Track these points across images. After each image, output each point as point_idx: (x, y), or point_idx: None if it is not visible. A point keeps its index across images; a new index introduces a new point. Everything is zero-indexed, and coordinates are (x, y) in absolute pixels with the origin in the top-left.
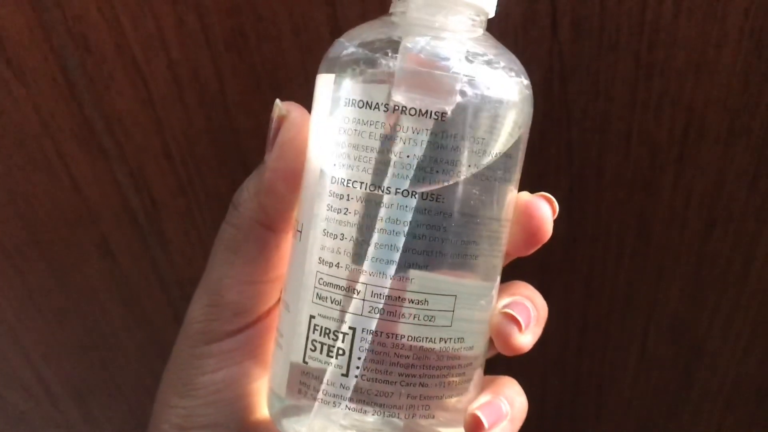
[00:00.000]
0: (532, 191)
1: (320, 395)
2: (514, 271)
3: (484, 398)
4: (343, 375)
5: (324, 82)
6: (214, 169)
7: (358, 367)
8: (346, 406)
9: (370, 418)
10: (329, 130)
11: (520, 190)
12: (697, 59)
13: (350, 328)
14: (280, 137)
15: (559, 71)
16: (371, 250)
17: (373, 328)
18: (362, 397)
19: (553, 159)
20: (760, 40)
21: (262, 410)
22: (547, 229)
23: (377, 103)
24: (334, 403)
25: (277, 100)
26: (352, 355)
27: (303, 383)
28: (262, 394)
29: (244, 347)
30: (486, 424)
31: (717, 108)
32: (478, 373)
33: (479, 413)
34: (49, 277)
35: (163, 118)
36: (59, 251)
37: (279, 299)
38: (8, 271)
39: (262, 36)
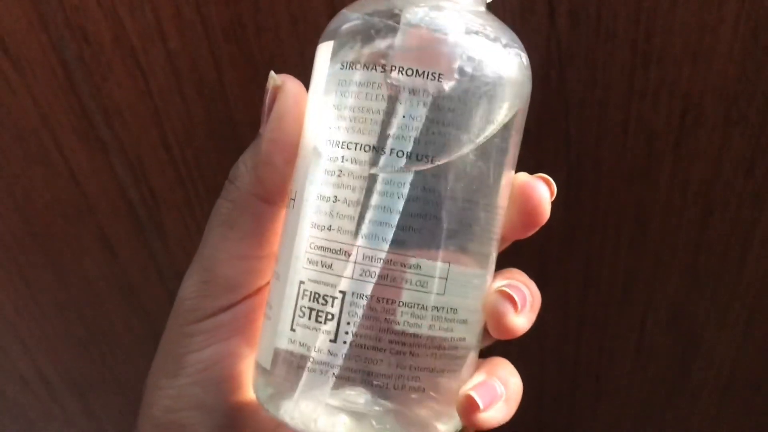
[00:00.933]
0: None
1: (308, 364)
2: (511, 261)
3: (478, 378)
4: (331, 341)
5: (323, 51)
6: (213, 161)
7: (347, 333)
8: (334, 374)
9: (360, 399)
10: (327, 96)
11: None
12: (694, 47)
13: (340, 291)
14: (276, 108)
15: (557, 60)
16: (366, 213)
17: (364, 292)
18: (350, 365)
19: (550, 148)
20: (756, 26)
21: (250, 391)
22: (545, 210)
23: (376, 74)
24: (321, 371)
25: (272, 72)
26: (341, 321)
27: (289, 352)
28: (249, 375)
29: (232, 323)
30: (481, 405)
31: (714, 95)
32: (471, 355)
33: (473, 394)
34: (48, 270)
35: (161, 110)
36: (58, 244)
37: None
38: (7, 265)
39: (260, 26)
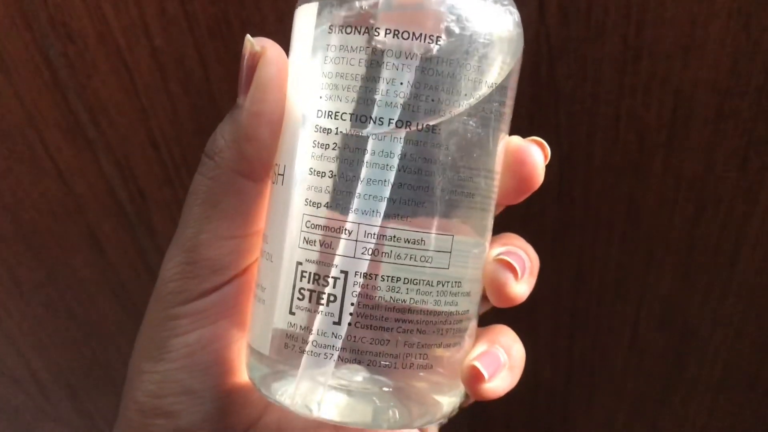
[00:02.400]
0: None
1: (308, 347)
2: None
3: (481, 348)
4: (335, 323)
5: (306, 12)
6: (200, 157)
7: (351, 314)
8: (339, 357)
9: (358, 377)
10: (312, 61)
11: None
12: (686, 40)
13: (342, 271)
14: (258, 78)
15: (547, 54)
16: (360, 186)
17: (368, 271)
18: (355, 346)
19: None
20: (748, 19)
21: (239, 376)
22: (539, 175)
23: (361, 39)
24: (324, 355)
25: (248, 36)
26: (345, 301)
27: (289, 336)
28: (239, 359)
29: (219, 306)
30: (486, 375)
31: (706, 89)
32: (473, 325)
33: (478, 364)
34: (37, 269)
35: (147, 107)
36: (46, 243)
37: (258, 255)
38: None
39: (246, 22)
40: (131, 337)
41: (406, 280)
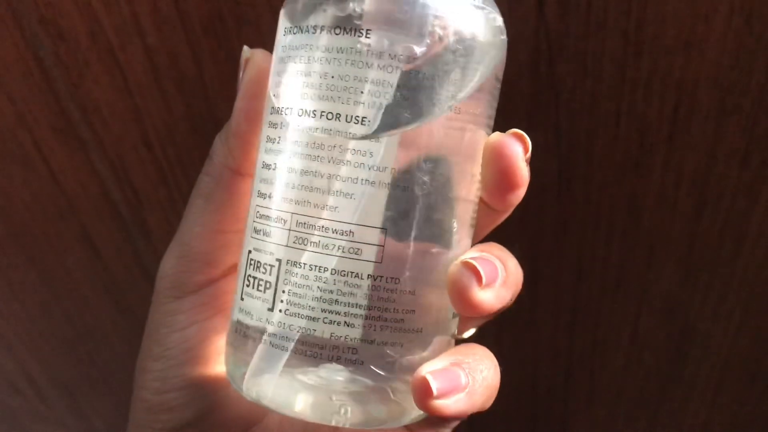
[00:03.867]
0: None
1: (250, 332)
2: None
3: (439, 363)
4: (268, 309)
5: (282, 13)
6: (195, 158)
7: (282, 301)
8: (271, 343)
9: (339, 377)
10: (287, 63)
11: None
12: (687, 36)
13: (276, 260)
14: (243, 78)
15: (547, 51)
16: (297, 178)
17: (299, 259)
18: (285, 333)
19: (540, 141)
20: (750, 15)
21: None
22: (519, 169)
23: (345, 39)
24: (264, 341)
25: (245, 46)
26: (278, 289)
27: (239, 322)
28: None
29: (214, 301)
30: (434, 391)
31: (707, 86)
32: (438, 338)
33: (429, 377)
34: (31, 271)
35: (141, 107)
36: (40, 244)
37: None
38: None
39: (240, 20)
40: (126, 337)
41: (334, 271)
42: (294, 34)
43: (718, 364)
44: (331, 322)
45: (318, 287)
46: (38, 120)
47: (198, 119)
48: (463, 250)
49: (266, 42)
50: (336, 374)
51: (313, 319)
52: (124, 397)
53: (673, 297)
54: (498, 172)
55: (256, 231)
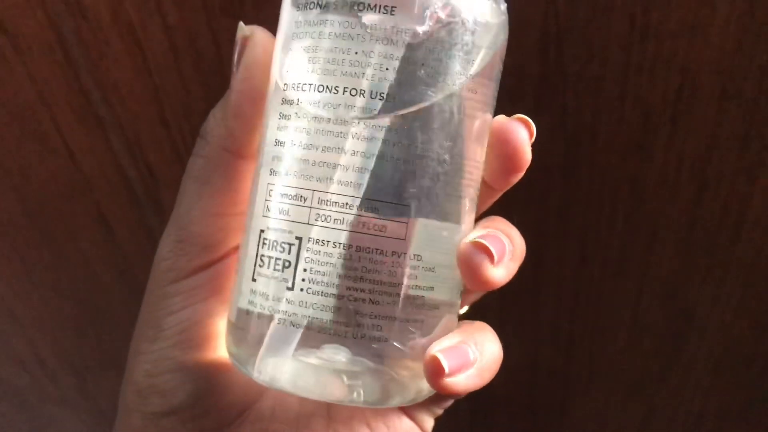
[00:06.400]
0: None
1: (266, 311)
2: None
3: (450, 341)
4: (288, 288)
5: None
6: None
7: (303, 280)
8: (292, 323)
9: (342, 357)
10: (294, 41)
11: None
12: (691, 21)
13: (296, 238)
14: (245, 58)
15: (555, 34)
16: (317, 155)
17: (320, 237)
18: (306, 313)
19: (547, 122)
20: (753, 0)
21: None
22: (524, 153)
23: (347, 18)
24: (280, 321)
25: (241, 23)
26: (298, 267)
27: (251, 302)
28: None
29: (210, 284)
30: (446, 369)
31: (710, 70)
32: (447, 316)
33: (440, 356)
34: (44, 249)
35: (159, 86)
36: (54, 222)
37: None
38: (2, 244)
39: (258, 0)
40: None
41: (359, 248)
42: (310, 9)
43: (716, 348)
44: (356, 300)
45: (342, 265)
46: (57, 98)
47: (214, 99)
48: (470, 226)
49: None
50: (338, 354)
51: (338, 297)
52: None
53: (672, 280)
54: (503, 155)
55: (270, 210)
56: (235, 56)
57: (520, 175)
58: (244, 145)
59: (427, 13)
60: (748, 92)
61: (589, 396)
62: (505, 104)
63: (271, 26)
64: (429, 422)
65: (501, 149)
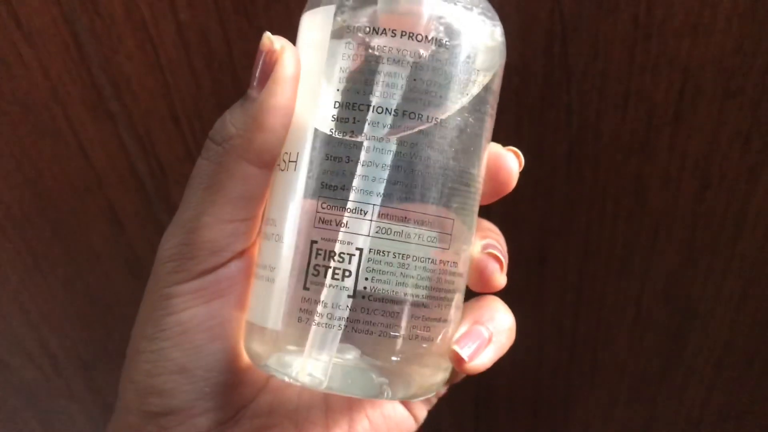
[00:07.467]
0: (531, 153)
1: (324, 321)
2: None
3: (463, 328)
4: (349, 296)
5: (321, 16)
6: None
7: (365, 288)
8: (353, 328)
9: (350, 355)
10: (325, 61)
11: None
12: (694, 20)
13: (357, 249)
14: (277, 74)
15: (560, 33)
16: (373, 171)
17: (380, 248)
18: (368, 319)
19: (552, 120)
20: (755, 0)
21: (232, 355)
22: (513, 181)
23: (358, 42)
24: (336, 327)
25: (268, 33)
26: (359, 276)
27: (304, 311)
28: (232, 339)
29: (214, 286)
30: (466, 358)
31: (712, 69)
32: (460, 298)
33: (457, 348)
34: (55, 244)
35: (170, 82)
36: (65, 217)
37: (256, 238)
38: (14, 238)
39: None
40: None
41: (415, 258)
42: (352, 34)
43: (717, 345)
44: (415, 305)
45: (402, 273)
46: (71, 94)
47: (225, 96)
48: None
49: (294, 20)
50: (370, 355)
51: (398, 302)
52: None
53: (675, 278)
54: (496, 180)
55: (324, 222)
56: (259, 67)
57: (500, 197)
58: (267, 157)
59: (431, 37)
60: (750, 91)
61: (593, 392)
62: (510, 102)
63: (282, 24)
64: (423, 411)
65: (494, 175)
